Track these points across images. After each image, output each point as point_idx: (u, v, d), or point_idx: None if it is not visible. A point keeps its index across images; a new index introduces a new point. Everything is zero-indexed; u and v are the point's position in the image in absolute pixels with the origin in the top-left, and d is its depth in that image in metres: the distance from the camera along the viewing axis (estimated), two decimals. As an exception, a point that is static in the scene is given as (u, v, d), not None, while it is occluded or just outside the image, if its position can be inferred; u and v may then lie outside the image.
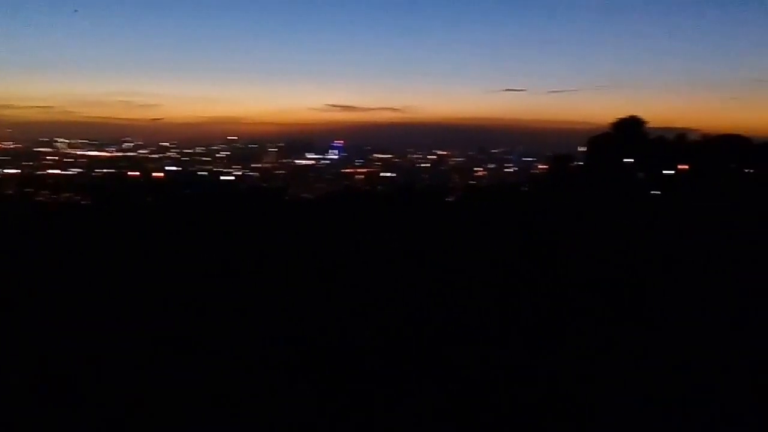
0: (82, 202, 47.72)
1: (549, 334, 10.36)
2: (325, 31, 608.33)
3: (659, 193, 40.85)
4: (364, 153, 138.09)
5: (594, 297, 12.62)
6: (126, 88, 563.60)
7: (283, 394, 8.08)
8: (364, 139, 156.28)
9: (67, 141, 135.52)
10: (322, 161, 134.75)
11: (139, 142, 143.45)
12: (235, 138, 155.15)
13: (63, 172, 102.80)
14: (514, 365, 9.00)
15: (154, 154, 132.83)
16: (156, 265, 15.78)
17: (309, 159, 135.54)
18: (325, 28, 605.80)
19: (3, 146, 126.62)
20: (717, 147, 47.37)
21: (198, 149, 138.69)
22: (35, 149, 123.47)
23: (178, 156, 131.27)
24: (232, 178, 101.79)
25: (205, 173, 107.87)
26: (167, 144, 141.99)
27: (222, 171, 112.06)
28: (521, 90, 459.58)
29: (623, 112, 56.94)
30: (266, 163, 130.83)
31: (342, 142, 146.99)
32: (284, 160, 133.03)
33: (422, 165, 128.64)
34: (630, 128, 50.56)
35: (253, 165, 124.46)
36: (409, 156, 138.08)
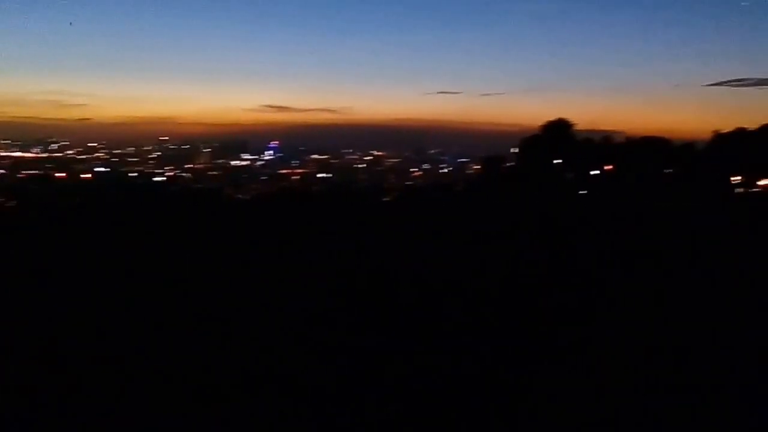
0: (7, 205, 45.84)
1: (477, 330, 10.70)
2: (261, 31, 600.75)
3: (586, 192, 42.27)
4: (300, 154, 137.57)
5: (524, 293, 13.07)
6: (52, 86, 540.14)
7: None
8: (300, 140, 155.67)
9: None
10: (258, 162, 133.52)
11: (66, 143, 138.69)
12: (167, 138, 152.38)
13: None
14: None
15: (82, 155, 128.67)
16: (82, 267, 15.41)
17: (244, 160, 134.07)
18: (260, 27, 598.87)
19: None
20: (640, 148, 49.41)
21: (128, 150, 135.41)
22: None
23: (108, 157, 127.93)
24: (164, 179, 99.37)
25: (136, 174, 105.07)
26: (96, 145, 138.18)
27: (153, 172, 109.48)
28: (456, 92, 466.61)
29: (552, 114, 58.85)
30: (199, 163, 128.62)
31: (278, 142, 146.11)
32: (218, 161, 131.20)
33: (359, 166, 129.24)
34: (559, 130, 52.17)
35: (186, 166, 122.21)
36: (345, 157, 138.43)
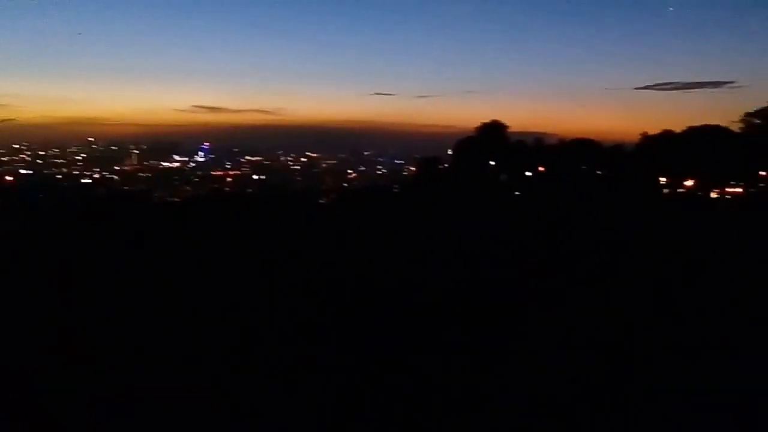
0: None
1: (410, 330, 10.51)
2: (191, 30, 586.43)
3: (519, 193, 43.03)
4: (233, 155, 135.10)
5: (467, 291, 12.98)
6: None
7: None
8: (233, 141, 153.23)
9: None
10: (190, 164, 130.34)
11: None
12: (94, 140, 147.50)
13: None
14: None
15: (4, 156, 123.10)
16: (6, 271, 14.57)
17: (175, 162, 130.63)
18: (190, 26, 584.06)
19: None
20: (571, 150, 50.65)
21: (53, 151, 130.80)
22: None
23: (32, 159, 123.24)
24: (91, 181, 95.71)
25: (61, 176, 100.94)
26: (19, 146, 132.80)
27: (80, 174, 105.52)
28: (391, 94, 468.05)
29: (487, 116, 59.68)
30: (128, 165, 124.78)
31: (209, 144, 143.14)
32: (148, 163, 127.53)
33: (294, 167, 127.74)
34: (493, 132, 52.99)
35: (114, 168, 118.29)
36: (280, 159, 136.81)
